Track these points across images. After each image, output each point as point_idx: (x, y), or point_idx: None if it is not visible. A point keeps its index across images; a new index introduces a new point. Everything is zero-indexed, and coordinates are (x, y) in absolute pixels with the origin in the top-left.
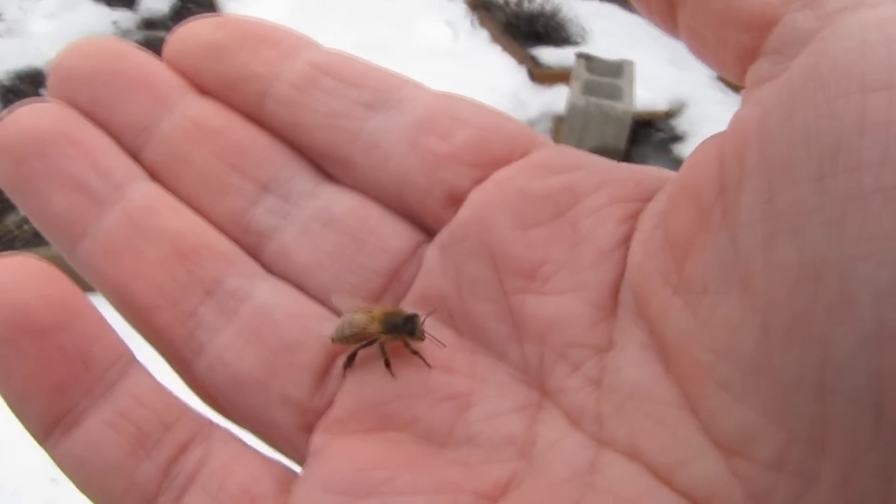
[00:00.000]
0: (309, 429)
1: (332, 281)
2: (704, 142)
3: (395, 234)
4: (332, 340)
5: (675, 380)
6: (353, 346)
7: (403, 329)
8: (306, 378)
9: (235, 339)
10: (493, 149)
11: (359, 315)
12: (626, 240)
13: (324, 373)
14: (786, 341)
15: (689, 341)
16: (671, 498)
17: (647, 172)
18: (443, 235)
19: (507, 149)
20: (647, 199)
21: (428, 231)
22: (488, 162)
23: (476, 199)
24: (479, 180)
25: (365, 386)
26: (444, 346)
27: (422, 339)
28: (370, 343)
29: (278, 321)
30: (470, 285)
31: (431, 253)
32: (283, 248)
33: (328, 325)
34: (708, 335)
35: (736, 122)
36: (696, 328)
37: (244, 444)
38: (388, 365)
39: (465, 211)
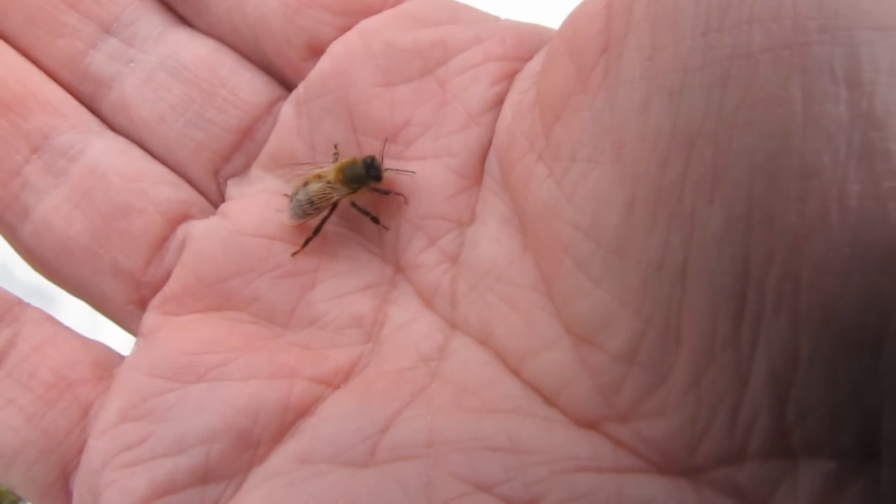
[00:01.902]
0: (142, 304)
1: (177, 138)
2: None
3: (249, 88)
4: (293, 223)
5: (533, 258)
6: (316, 220)
7: (369, 175)
8: (140, 247)
9: (63, 203)
10: None
11: (313, 183)
12: (499, 102)
13: (160, 242)
14: (650, 218)
15: (551, 214)
16: (518, 389)
17: (530, 29)
18: (299, 90)
19: None
20: (527, 58)
21: (287, 85)
22: (356, 10)
23: (337, 51)
24: (344, 30)
25: (204, 259)
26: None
27: (381, 178)
28: (332, 210)
29: (112, 183)
30: (325, 146)
31: (286, 109)
32: (124, 100)
33: (171, 189)
34: (571, 208)
35: None
36: (560, 200)
37: (59, 325)
38: (377, 221)
39: (324, 63)
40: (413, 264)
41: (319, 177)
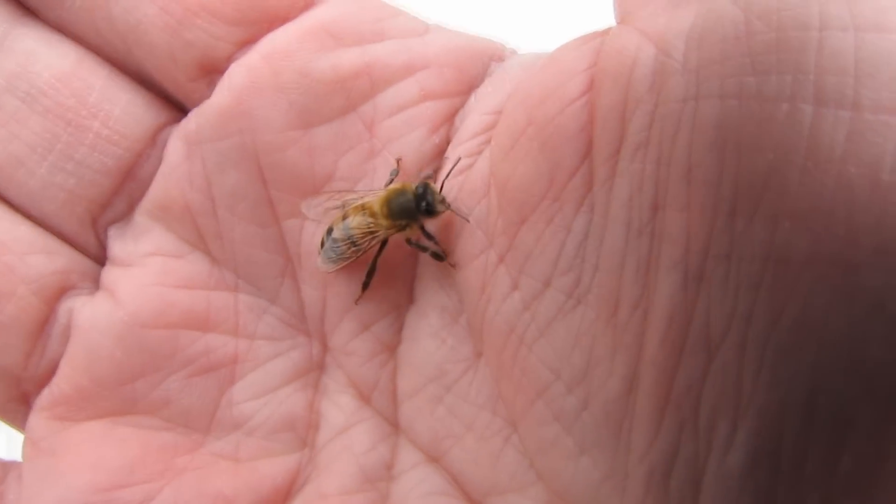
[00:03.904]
0: (26, 400)
1: (42, 187)
2: (562, 54)
3: (127, 116)
4: (328, 269)
5: (490, 373)
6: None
7: (421, 209)
8: (15, 339)
9: None
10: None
11: (354, 217)
12: (438, 154)
13: (39, 328)
14: (657, 415)
15: (518, 340)
16: None
17: (468, 49)
18: (190, 124)
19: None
20: (468, 90)
21: (173, 103)
22: (256, 18)
23: (238, 82)
24: (243, 44)
25: (98, 358)
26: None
27: (445, 208)
28: (381, 248)
29: None
30: (228, 201)
31: (174, 147)
32: None
33: (43, 260)
34: (547, 346)
35: (615, 54)
36: (530, 327)
37: None
38: (441, 257)
39: (221, 96)
40: (345, 350)
41: (363, 208)
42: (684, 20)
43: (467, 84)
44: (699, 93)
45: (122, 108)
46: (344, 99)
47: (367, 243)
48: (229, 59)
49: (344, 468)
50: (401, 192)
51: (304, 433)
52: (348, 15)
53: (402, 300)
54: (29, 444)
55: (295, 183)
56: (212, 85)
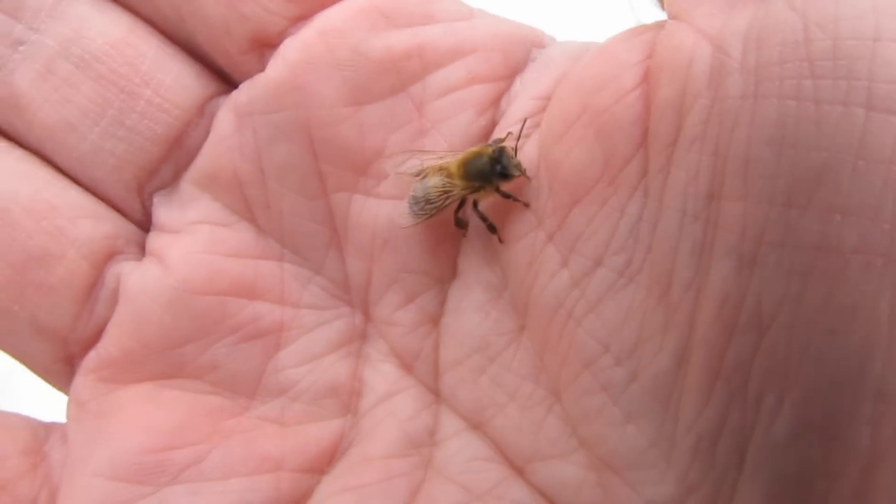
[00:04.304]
0: (71, 362)
1: (92, 152)
2: (614, 45)
3: (177, 85)
4: (408, 225)
5: (533, 346)
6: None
7: (495, 173)
8: (64, 301)
9: None
10: None
11: (432, 177)
12: (485, 136)
13: (87, 291)
14: (707, 386)
15: (566, 315)
16: (527, 495)
17: (513, 35)
18: (241, 97)
19: None
20: (512, 74)
21: (221, 76)
22: None
23: (293, 56)
24: (296, 21)
25: (147, 322)
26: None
27: (519, 172)
28: (460, 206)
29: (20, 224)
30: (278, 172)
31: (224, 119)
32: (16, 98)
33: (92, 224)
34: (596, 320)
35: (671, 49)
36: (580, 303)
37: None
38: (494, 230)
39: (276, 69)
40: (389, 321)
41: (441, 169)
42: (741, 22)
43: (512, 69)
44: (757, 91)
45: (173, 78)
46: (395, 78)
47: (441, 201)
48: (282, 35)
49: (388, 433)
50: (477, 155)
51: (347, 399)
52: None
53: (446, 275)
54: (75, 406)
55: (345, 157)
56: (262, 58)
